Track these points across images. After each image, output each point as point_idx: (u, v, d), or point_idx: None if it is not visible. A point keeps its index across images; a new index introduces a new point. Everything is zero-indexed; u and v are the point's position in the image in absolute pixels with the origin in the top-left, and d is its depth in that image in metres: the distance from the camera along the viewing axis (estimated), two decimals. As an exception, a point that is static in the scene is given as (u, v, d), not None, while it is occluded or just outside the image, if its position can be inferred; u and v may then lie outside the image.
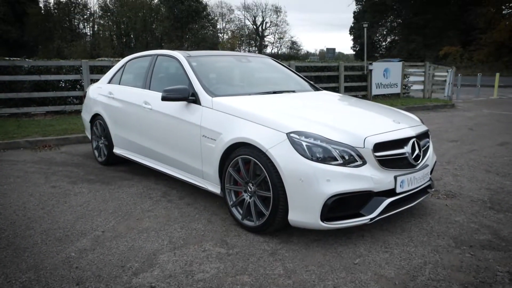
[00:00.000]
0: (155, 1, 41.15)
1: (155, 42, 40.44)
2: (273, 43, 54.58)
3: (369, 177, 2.82)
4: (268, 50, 54.24)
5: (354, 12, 48.79)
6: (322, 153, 2.79)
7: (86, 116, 5.52)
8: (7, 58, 8.43)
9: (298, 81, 4.62)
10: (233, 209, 3.27)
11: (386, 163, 2.92)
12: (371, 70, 12.74)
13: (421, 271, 2.58)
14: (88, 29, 46.73)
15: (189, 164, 3.71)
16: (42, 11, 44.16)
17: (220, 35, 47.81)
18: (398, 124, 3.19)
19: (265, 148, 2.93)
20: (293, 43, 54.10)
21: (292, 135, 2.86)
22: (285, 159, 2.83)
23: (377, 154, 2.87)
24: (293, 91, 4.18)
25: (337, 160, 2.80)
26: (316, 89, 4.64)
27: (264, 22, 52.59)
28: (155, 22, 40.59)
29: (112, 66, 5.95)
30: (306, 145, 2.80)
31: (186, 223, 3.36)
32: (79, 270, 2.62)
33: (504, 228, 3.24)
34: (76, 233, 3.18)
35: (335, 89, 12.33)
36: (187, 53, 4.22)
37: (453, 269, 2.61)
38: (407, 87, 14.70)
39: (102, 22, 43.86)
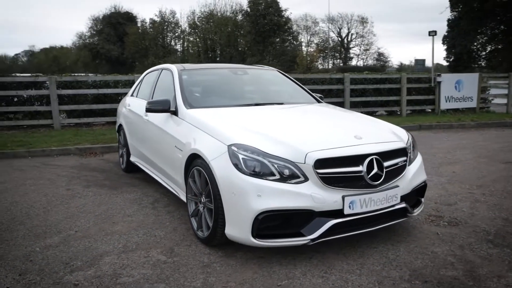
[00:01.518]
0: (239, 17, 42.83)
1: (238, 57, 41.96)
2: (359, 55, 53.22)
3: (309, 195, 2.68)
4: (353, 62, 53.01)
5: (448, 20, 45.51)
6: (259, 167, 2.73)
7: (116, 127, 6.00)
8: (73, 74, 9.50)
9: (294, 94, 4.53)
10: (192, 219, 3.32)
11: (331, 181, 2.74)
12: (439, 82, 11.81)
13: (344, 300, 2.38)
14: (179, 45, 50.20)
15: (169, 172, 3.86)
16: (140, 30, 48.54)
17: (304, 48, 48.03)
18: (358, 140, 2.96)
19: (208, 159, 2.95)
20: (380, 54, 52.15)
21: (232, 147, 2.84)
22: (222, 171, 2.82)
23: (320, 171, 2.72)
24: (281, 103, 4.12)
25: (274, 175, 2.71)
26: (318, 101, 4.51)
27: (350, 33, 51.60)
28: (239, 37, 42.19)
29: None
30: (242, 158, 2.76)
31: (152, 230, 3.48)
32: (30, 263, 2.88)
33: (486, 265, 2.82)
34: (53, 231, 3.48)
35: (396, 103, 11.67)
36: (183, 66, 4.41)
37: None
38: (487, 101, 13.32)
39: (191, 39, 46.81)
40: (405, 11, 78.02)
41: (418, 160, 3.43)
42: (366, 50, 52.23)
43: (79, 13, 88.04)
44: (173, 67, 4.39)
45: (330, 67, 47.40)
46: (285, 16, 40.04)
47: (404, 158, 3.13)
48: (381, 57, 52.15)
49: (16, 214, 3.93)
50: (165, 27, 48.41)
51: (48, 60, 60.55)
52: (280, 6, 39.77)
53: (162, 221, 3.69)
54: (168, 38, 49.80)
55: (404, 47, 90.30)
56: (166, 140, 3.82)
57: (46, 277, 2.69)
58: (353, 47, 53.26)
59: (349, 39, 52.11)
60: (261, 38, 38.88)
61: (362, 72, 12.90)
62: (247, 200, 2.66)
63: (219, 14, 44.20)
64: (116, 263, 2.88)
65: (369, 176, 2.83)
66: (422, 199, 3.49)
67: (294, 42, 42.16)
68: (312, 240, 2.71)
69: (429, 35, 11.64)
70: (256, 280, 2.61)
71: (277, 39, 39.12)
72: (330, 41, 50.30)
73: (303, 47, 47.82)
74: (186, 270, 2.75)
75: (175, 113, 3.80)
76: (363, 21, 50.07)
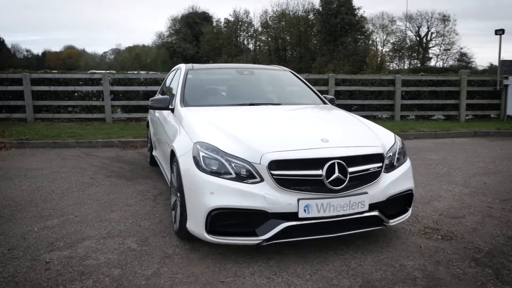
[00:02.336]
0: (311, 16, 42.46)
1: (308, 56, 41.67)
2: (438, 55, 49.90)
3: (262, 195, 2.69)
4: (432, 63, 49.83)
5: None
6: (217, 165, 2.80)
7: (146, 123, 6.41)
8: (125, 72, 10.22)
9: (298, 95, 4.52)
10: (172, 212, 3.48)
11: (287, 183, 2.73)
12: (506, 86, 10.78)
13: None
14: (251, 44, 51.16)
15: (164, 166, 4.08)
16: (214, 30, 50.29)
17: (380, 47, 46.24)
18: (324, 143, 2.89)
19: (177, 155, 3.08)
20: (462, 55, 48.39)
21: (196, 145, 2.94)
22: (185, 167, 2.94)
23: (275, 172, 2.71)
24: (278, 104, 4.13)
25: (231, 174, 2.76)
26: (324, 103, 4.44)
27: (429, 32, 48.58)
28: (310, 37, 41.86)
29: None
30: (202, 156, 2.85)
31: (140, 220, 3.71)
32: (23, 240, 3.24)
33: (454, 285, 2.62)
34: (57, 215, 3.86)
35: (455, 107, 10.87)
36: (192, 66, 4.60)
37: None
38: None
39: (263, 38, 47.44)
40: (495, 8, 71.06)
41: (404, 167, 3.25)
42: (446, 50, 48.83)
43: (160, 14, 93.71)
44: (183, 67, 4.60)
45: (405, 67, 45.13)
46: (358, 15, 38.87)
47: (379, 165, 2.99)
48: (464, 58, 48.38)
49: (36, 197, 4.40)
50: (238, 27, 49.65)
51: (131, 57, 65.16)
52: (353, 4, 38.70)
53: (153, 213, 3.90)
54: (241, 37, 51.01)
55: (493, 48, 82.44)
56: (164, 136, 4.04)
57: (28, 253, 3.01)
58: (432, 47, 50.08)
59: (428, 38, 49.11)
60: (332, 38, 38.17)
61: (436, 74, 12.09)
62: (201, 196, 2.75)
63: (291, 14, 44.24)
64: (91, 247, 3.13)
65: (329, 180, 2.75)
66: (409, 209, 3.30)
67: (366, 41, 40.74)
68: (265, 240, 2.72)
69: (496, 34, 10.66)
70: (204, 274, 2.69)
71: (349, 39, 38.11)
72: (408, 40, 47.82)
73: (378, 46, 46.11)
74: (146, 259, 2.91)
75: (173, 110, 4.00)
76: (444, 19, 46.84)
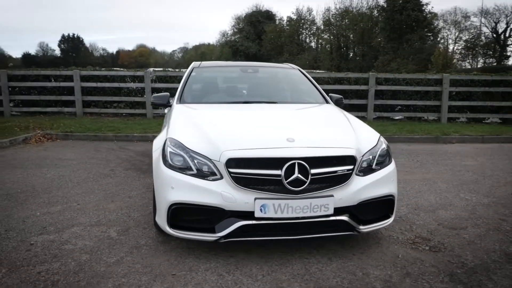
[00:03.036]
0: (375, 13, 40.97)
1: (370, 54, 40.27)
2: (518, 52, 45.63)
3: (219, 193, 2.72)
4: (511, 61, 45.73)
5: None
6: (181, 161, 2.87)
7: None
8: (166, 70, 10.66)
9: (300, 94, 4.47)
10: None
11: (244, 182, 2.72)
12: None
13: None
14: (313, 43, 50.60)
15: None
16: (277, 29, 50.43)
17: (451, 46, 43.40)
18: (289, 142, 2.83)
19: (153, 150, 3.19)
20: (548, 52, 43.82)
21: (167, 141, 3.03)
22: (155, 162, 3.04)
23: (232, 170, 2.72)
24: (274, 102, 4.10)
25: (192, 171, 2.82)
26: (327, 102, 4.33)
27: (508, 28, 44.62)
28: (373, 34, 40.44)
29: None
30: (169, 151, 2.94)
31: (132, 211, 3.90)
32: (22, 223, 3.55)
33: (413, 295, 2.46)
34: (63, 202, 4.17)
35: (512, 109, 9.95)
36: (199, 64, 4.71)
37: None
38: None
39: (325, 36, 46.70)
40: None
41: (385, 171, 3.07)
42: (528, 47, 44.48)
43: (226, 13, 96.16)
44: (192, 64, 4.73)
45: (479, 66, 41.88)
46: (425, 10, 36.79)
47: (349, 167, 2.86)
48: (549, 55, 43.78)
49: (53, 185, 4.78)
50: (301, 25, 49.36)
51: (197, 56, 67.46)
52: (420, 0, 36.68)
53: (148, 205, 4.07)
54: (303, 35, 50.67)
55: None
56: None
57: (20, 235, 3.30)
58: (510, 44, 45.95)
59: (506, 35, 45.13)
60: (396, 35, 36.54)
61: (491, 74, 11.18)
62: (164, 191, 2.84)
63: (354, 11, 43.06)
64: (76, 233, 3.35)
65: (288, 181, 2.70)
66: (391, 216, 3.13)
67: (434, 39, 38.41)
68: (223, 237, 2.74)
69: None
70: (161, 266, 2.78)
71: (415, 36, 36.21)
72: (483, 37, 44.33)
73: (449, 44, 43.29)
74: (117, 248, 3.06)
75: (171, 107, 4.13)
76: (527, 13, 42.71)
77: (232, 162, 2.73)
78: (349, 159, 2.88)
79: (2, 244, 3.12)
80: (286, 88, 4.60)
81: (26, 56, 71.69)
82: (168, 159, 2.91)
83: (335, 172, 2.82)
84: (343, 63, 42.70)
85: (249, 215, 2.72)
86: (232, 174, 2.72)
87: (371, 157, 3.04)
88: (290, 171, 2.71)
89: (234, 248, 3.02)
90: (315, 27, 49.13)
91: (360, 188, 2.89)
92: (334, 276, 2.68)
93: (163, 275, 2.66)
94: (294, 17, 49.82)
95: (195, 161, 2.83)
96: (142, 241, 3.20)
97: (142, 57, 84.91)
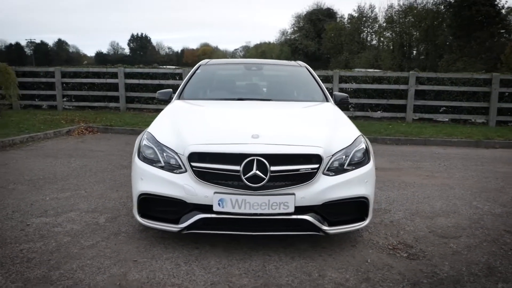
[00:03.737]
0: (441, 8, 38.68)
1: (434, 53, 38.14)
2: None
3: (181, 185, 2.81)
4: None
5: None
6: (152, 154, 3.01)
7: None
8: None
9: (299, 92, 4.43)
10: None
11: (205, 176, 2.79)
12: None
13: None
14: (375, 41, 48.93)
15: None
16: (337, 27, 49.45)
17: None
18: (253, 139, 2.84)
19: (135, 144, 3.36)
20: None
21: (144, 135, 3.19)
22: (133, 154, 3.20)
23: (194, 164, 2.80)
24: (268, 100, 4.11)
25: (160, 163, 2.94)
26: (327, 100, 4.25)
27: None
28: (437, 31, 38.24)
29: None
30: (143, 144, 3.09)
31: (130, 202, 4.10)
32: (30, 207, 3.90)
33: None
34: (73, 189, 4.50)
35: None
36: (207, 61, 4.85)
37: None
38: None
39: (387, 34, 44.98)
40: None
41: (359, 172, 2.97)
42: None
43: (287, 12, 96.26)
44: (201, 62, 4.87)
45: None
46: (499, 5, 34.08)
47: (315, 166, 2.81)
48: None
49: (73, 174, 5.16)
50: (362, 22, 48.01)
51: (257, 54, 68.18)
52: (493, -7, 34.04)
53: (147, 196, 4.26)
54: (364, 33, 49.23)
55: None
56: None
57: (22, 216, 3.64)
58: None
59: None
60: (464, 32, 34.25)
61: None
62: (136, 182, 2.99)
63: (419, 7, 41.02)
64: (71, 218, 3.62)
65: (246, 176, 2.72)
66: (367, 219, 3.03)
67: (507, 36, 35.42)
68: (185, 228, 2.83)
69: None
70: (128, 252, 2.94)
71: (485, 33, 33.68)
72: None
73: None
74: (97, 233, 3.27)
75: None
76: None
77: (195, 156, 2.80)
78: (315, 158, 2.83)
79: (4, 223, 3.46)
80: (287, 86, 4.58)
81: (99, 54, 77.10)
82: (141, 152, 3.06)
83: (298, 170, 2.79)
84: (405, 62, 40.86)
85: (209, 208, 2.78)
86: (194, 168, 2.80)
87: (344, 156, 2.97)
88: (249, 167, 2.73)
89: (203, 240, 3.10)
90: (377, 25, 47.46)
91: (326, 188, 2.83)
92: (288, 275, 2.66)
93: (125, 261, 2.81)
94: (355, 14, 48.52)
95: (164, 154, 2.94)
96: (123, 228, 3.39)
97: (205, 55, 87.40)
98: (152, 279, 2.58)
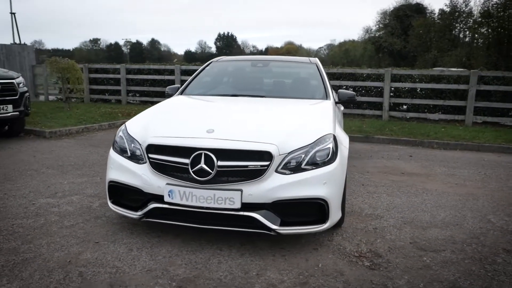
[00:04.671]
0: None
1: (539, 50, 33.85)
2: None
3: (139, 175, 2.97)
4: None
5: None
6: (123, 145, 3.20)
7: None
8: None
9: (299, 89, 4.32)
10: None
11: (159, 167, 2.90)
12: None
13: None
14: (468, 38, 44.93)
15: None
16: (426, 23, 46.29)
17: None
18: (207, 133, 2.88)
19: None
20: None
21: (122, 126, 3.40)
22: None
23: (151, 155, 2.93)
24: (261, 96, 4.10)
25: (127, 154, 3.12)
26: (327, 98, 4.12)
27: None
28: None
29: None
30: (118, 135, 3.30)
31: (131, 188, 4.39)
32: (45, 188, 4.37)
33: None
34: (91, 175, 4.92)
35: None
36: (218, 58, 4.97)
37: None
38: None
39: (482, 30, 41.01)
40: None
41: (318, 172, 2.85)
42: None
43: (372, 8, 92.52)
44: (213, 59, 5.00)
45: None
46: None
47: (265, 163, 2.77)
48: None
49: (101, 162, 5.62)
50: (454, 17, 44.41)
51: (341, 53, 66.70)
52: None
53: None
54: (456, 29, 45.49)
55: None
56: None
57: (33, 196, 4.08)
58: None
59: None
60: None
61: None
62: (107, 170, 3.21)
63: (523, -1, 36.71)
64: (71, 200, 3.99)
65: (193, 170, 2.77)
66: (327, 221, 2.90)
67: None
68: (142, 216, 2.98)
69: None
70: (96, 234, 3.17)
71: None
72: None
73: None
74: (84, 216, 3.56)
75: (176, 98, 4.48)
76: None
77: (152, 148, 2.93)
78: (266, 155, 2.78)
79: (15, 201, 3.92)
80: (288, 83, 4.50)
81: (187, 53, 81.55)
82: (115, 142, 3.27)
83: (246, 166, 2.77)
84: (501, 61, 36.94)
85: (162, 199, 2.89)
86: (150, 159, 2.93)
87: (303, 155, 2.87)
88: (197, 161, 2.78)
89: (169, 230, 3.22)
90: (471, 20, 43.52)
91: (277, 186, 2.77)
92: (226, 270, 2.67)
93: (88, 241, 3.04)
94: (447, 9, 45.00)
95: (132, 145, 3.11)
96: (108, 213, 3.64)
97: (289, 54, 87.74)
98: (99, 260, 2.76)
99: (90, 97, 12.30)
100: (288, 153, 2.84)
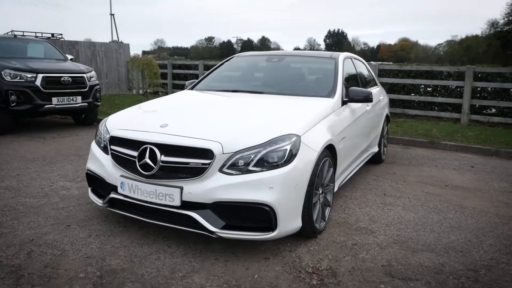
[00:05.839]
0: None
1: None
2: None
3: (104, 165, 3.09)
4: None
5: None
6: (99, 135, 3.36)
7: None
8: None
9: (305, 86, 4.15)
10: None
11: (117, 159, 2.98)
12: None
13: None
14: None
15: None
16: None
17: None
18: (160, 128, 2.88)
19: None
20: None
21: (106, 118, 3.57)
22: (97, 136, 3.62)
23: (113, 147, 3.02)
24: (260, 93, 3.93)
25: (102, 144, 3.27)
26: (329, 97, 3.80)
27: None
28: None
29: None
30: (101, 128, 3.45)
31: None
32: (58, 172, 4.79)
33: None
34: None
35: None
36: (241, 53, 4.92)
37: None
38: None
39: None
40: None
41: (265, 174, 2.63)
42: None
43: (499, 1, 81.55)
44: (237, 54, 4.97)
45: None
46: None
47: (206, 161, 2.65)
48: None
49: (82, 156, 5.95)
50: None
51: (461, 49, 60.53)
52: None
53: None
54: None
55: None
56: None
57: (40, 181, 4.40)
58: None
59: None
60: None
61: None
62: (87, 160, 3.41)
63: None
64: (81, 185, 4.30)
65: (140, 164, 2.79)
66: (275, 230, 2.68)
67: None
68: (105, 205, 3.10)
69: None
70: (72, 218, 3.38)
71: None
72: None
73: None
74: (79, 201, 3.83)
75: (188, 93, 4.55)
76: None
77: (115, 140, 3.04)
78: (209, 153, 2.66)
79: (40, 182, 4.39)
80: (296, 79, 4.22)
81: (296, 49, 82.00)
82: (97, 134, 3.44)
83: (188, 163, 2.69)
84: None
85: (117, 189, 2.96)
86: (111, 151, 3.03)
87: (252, 156, 2.68)
88: (144, 155, 2.79)
89: (136, 221, 3.26)
90: None
91: (217, 187, 2.64)
92: (155, 267, 2.63)
93: (61, 224, 3.26)
94: None
95: (107, 136, 3.24)
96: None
97: (403, 51, 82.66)
98: (55, 241, 2.95)
99: (173, 91, 13.15)
100: (235, 152, 2.68)
